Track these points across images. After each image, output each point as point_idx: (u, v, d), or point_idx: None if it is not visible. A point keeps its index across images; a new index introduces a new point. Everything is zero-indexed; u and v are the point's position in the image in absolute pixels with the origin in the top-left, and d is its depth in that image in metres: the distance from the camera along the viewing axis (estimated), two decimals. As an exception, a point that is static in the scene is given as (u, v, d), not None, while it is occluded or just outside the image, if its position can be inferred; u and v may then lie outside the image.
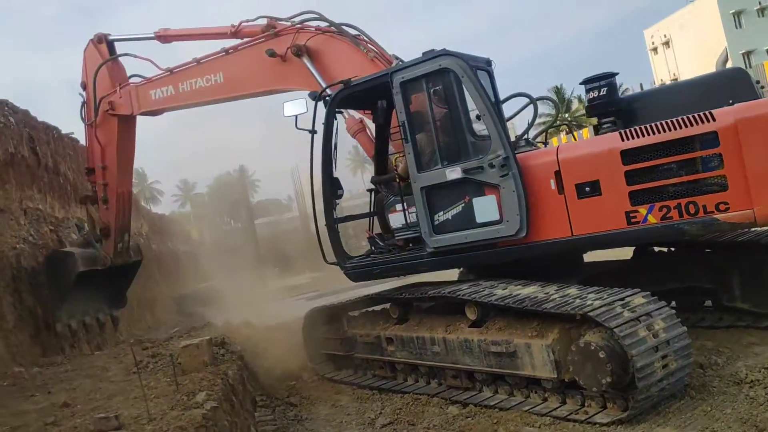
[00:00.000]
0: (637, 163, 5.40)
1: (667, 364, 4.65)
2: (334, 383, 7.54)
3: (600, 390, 4.80)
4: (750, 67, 63.33)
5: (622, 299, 4.93)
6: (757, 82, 5.98)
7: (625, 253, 7.31)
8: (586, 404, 5.07)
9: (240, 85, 8.49)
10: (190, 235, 38.13)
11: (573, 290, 5.32)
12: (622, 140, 5.47)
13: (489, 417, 5.47)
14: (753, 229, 6.37)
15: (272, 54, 7.72)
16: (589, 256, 7.21)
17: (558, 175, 5.75)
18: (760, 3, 67.64)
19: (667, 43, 72.94)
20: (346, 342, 7.49)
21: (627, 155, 5.43)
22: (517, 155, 5.99)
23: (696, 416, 4.60)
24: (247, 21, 8.32)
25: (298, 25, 7.76)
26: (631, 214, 5.43)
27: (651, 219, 5.36)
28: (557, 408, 5.21)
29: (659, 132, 5.31)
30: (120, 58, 10.00)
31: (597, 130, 6.31)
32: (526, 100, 6.80)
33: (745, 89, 5.58)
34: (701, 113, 5.17)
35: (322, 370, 7.85)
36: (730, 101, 5.26)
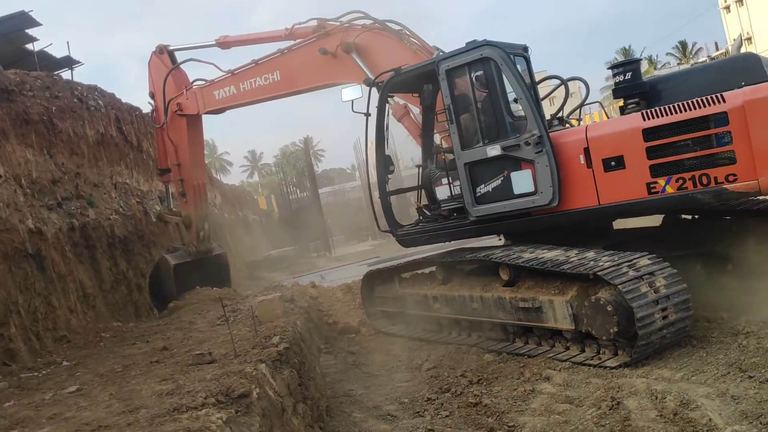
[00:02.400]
0: (656, 140, 6.07)
1: (666, 316, 5.42)
2: (388, 336, 8.58)
3: (609, 338, 5.61)
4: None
5: (629, 261, 5.70)
6: None
7: (656, 220, 7.96)
8: (600, 352, 5.89)
9: (296, 82, 9.46)
10: (258, 204, 39.97)
11: (590, 254, 6.10)
12: (644, 120, 6.15)
13: (518, 362, 6.35)
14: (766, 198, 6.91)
15: (324, 52, 8.65)
16: (621, 224, 7.90)
17: (587, 151, 6.49)
18: None
19: (740, 1, 69.45)
20: (398, 300, 8.50)
21: (648, 133, 6.11)
22: (550, 134, 6.75)
23: (692, 361, 5.35)
24: (299, 23, 9.28)
25: (346, 24, 8.65)
26: (651, 185, 6.13)
27: (669, 189, 6.05)
28: (577, 355, 6.04)
29: (676, 112, 5.96)
30: (182, 65, 11.11)
31: (623, 110, 6.94)
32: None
33: (757, 73, 6.07)
34: (713, 95, 5.78)
35: (378, 325, 8.90)
36: (742, 84, 5.82)
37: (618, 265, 5.63)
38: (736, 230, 7.25)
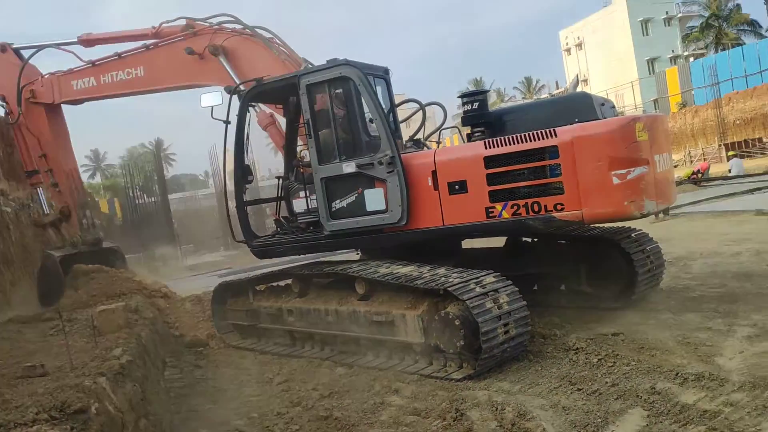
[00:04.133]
0: (495, 168, 6.48)
1: (508, 331, 5.78)
2: (238, 350, 8.36)
3: (455, 351, 5.88)
4: (653, 73, 67.56)
5: (477, 278, 6.03)
6: (602, 104, 7.08)
7: (501, 241, 8.49)
8: (447, 365, 6.15)
9: (159, 79, 9.13)
10: (100, 207, 37.38)
11: (442, 270, 6.37)
12: (485, 148, 6.56)
13: (369, 376, 6.46)
14: (601, 225, 7.61)
15: (191, 52, 8.41)
16: (469, 243, 8.34)
17: (434, 174, 6.80)
18: (667, 13, 71.95)
19: (579, 45, 76.58)
20: (251, 313, 8.33)
21: (488, 160, 6.51)
22: (403, 155, 6.98)
23: (529, 374, 5.74)
24: (167, 21, 8.95)
25: (216, 26, 8.46)
26: (490, 210, 6.53)
27: (505, 214, 6.47)
28: (425, 368, 6.26)
29: (514, 143, 6.40)
30: (36, 57, 10.31)
31: (470, 137, 7.30)
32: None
33: (588, 111, 6.65)
34: (547, 129, 6.27)
35: (229, 338, 8.65)
36: (576, 120, 6.36)
37: (466, 281, 5.93)
38: (569, 254, 7.94)
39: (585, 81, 75.82)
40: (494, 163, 6.48)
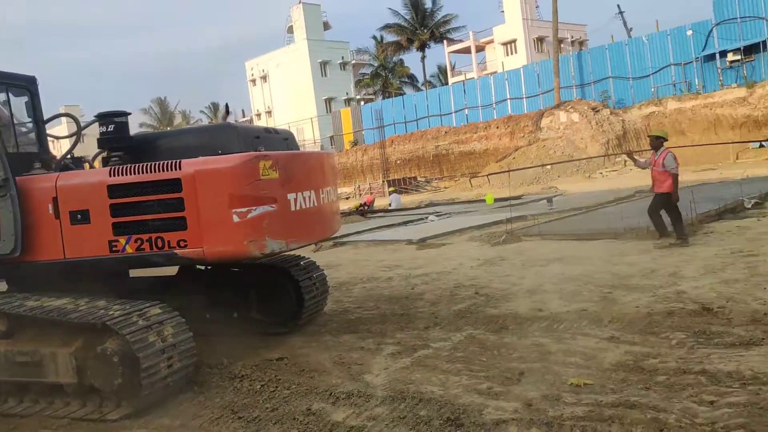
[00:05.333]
0: (119, 198, 5.97)
1: (171, 365, 5.58)
2: None
3: (113, 390, 5.48)
4: (330, 112, 73.26)
5: (140, 310, 5.71)
6: (257, 137, 6.77)
7: (173, 268, 8.21)
8: (103, 405, 5.68)
9: None
10: None
11: (102, 302, 5.90)
12: (110, 176, 6.03)
13: (8, 425, 5.64)
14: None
15: None
16: (140, 271, 7.87)
17: (55, 201, 6.11)
18: (343, 58, 78.92)
19: (264, 78, 79.41)
20: None
21: (112, 190, 5.98)
22: (20, 178, 6.21)
23: (192, 406, 5.61)
24: None
25: None
26: (114, 243, 6.02)
27: (128, 249, 6.02)
28: (77, 411, 5.68)
29: (138, 173, 5.96)
30: None
31: (106, 162, 6.72)
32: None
33: (230, 143, 6.34)
34: (171, 161, 5.90)
35: None
36: (219, 151, 6.11)
37: (128, 314, 5.58)
38: (241, 281, 8.05)
39: (269, 113, 78.78)
40: (119, 192, 5.98)
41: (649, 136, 13.16)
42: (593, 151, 40.16)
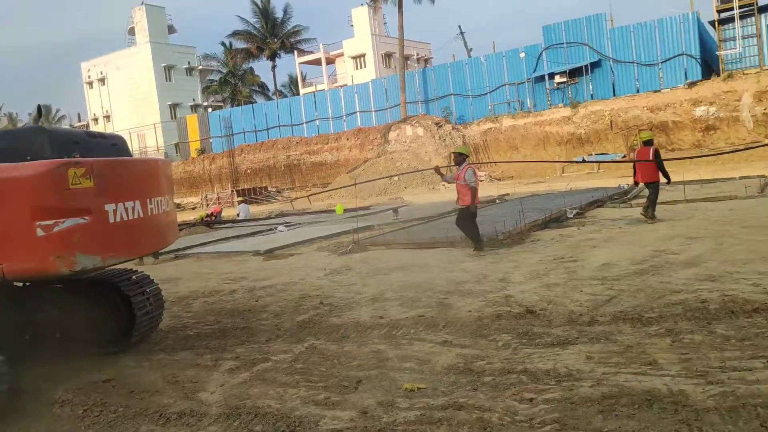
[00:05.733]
0: None
1: (-22, 394, 5.03)
2: None
3: None
4: (175, 118, 70.47)
5: (-63, 335, 5.09)
6: (76, 142, 6.07)
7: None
8: None
9: None
10: None
11: None
12: None
13: None
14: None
15: None
16: None
17: None
18: (189, 63, 76.15)
19: (102, 80, 74.60)
20: None
21: None
22: None
23: (8, 433, 5.11)
24: None
25: None
26: None
27: None
28: None
29: None
30: None
31: None
32: None
33: (42, 147, 5.74)
34: None
35: None
36: (28, 157, 5.53)
37: None
38: (65, 299, 7.43)
39: (108, 117, 74.08)
40: None
41: (452, 153, 14.01)
42: (436, 163, 42.04)
